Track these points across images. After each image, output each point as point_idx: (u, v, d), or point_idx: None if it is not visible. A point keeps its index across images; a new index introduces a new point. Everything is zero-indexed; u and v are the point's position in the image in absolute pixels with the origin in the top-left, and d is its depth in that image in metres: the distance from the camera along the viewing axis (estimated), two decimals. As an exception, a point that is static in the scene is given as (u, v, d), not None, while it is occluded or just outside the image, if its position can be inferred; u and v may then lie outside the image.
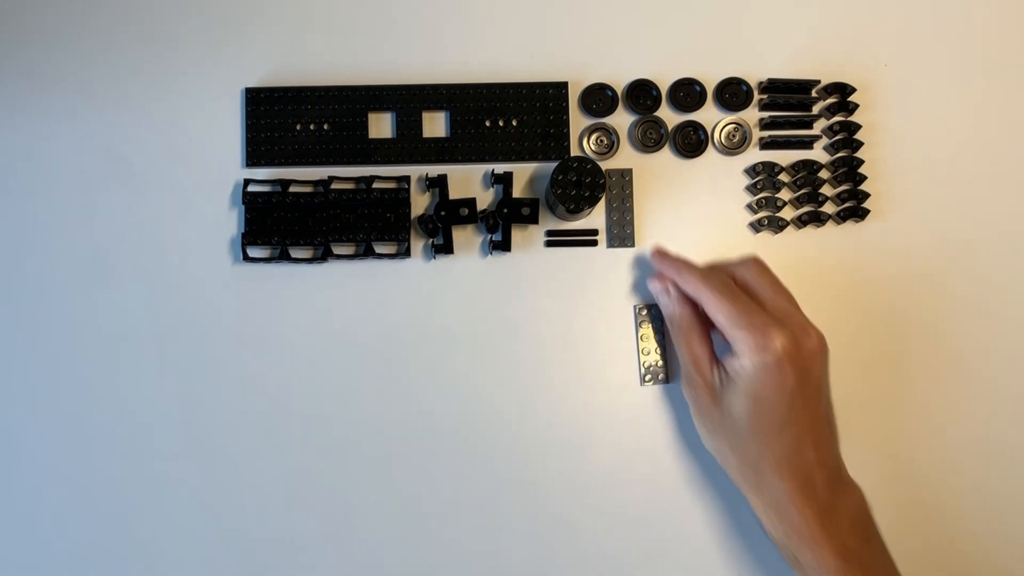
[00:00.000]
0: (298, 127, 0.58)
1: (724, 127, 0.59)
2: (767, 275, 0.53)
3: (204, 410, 0.57)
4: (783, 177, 0.59)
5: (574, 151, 0.59)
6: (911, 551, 0.57)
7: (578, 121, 0.59)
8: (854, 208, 0.58)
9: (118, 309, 0.57)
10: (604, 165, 0.58)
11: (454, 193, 0.57)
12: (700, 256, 0.58)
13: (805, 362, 0.50)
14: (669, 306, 0.55)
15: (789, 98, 0.59)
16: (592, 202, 0.55)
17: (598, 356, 0.58)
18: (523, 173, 0.58)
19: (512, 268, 0.58)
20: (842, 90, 0.59)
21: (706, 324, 0.54)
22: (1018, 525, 0.57)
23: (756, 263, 0.53)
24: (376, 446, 0.57)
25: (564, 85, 0.59)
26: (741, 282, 0.53)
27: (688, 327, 0.54)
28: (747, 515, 0.55)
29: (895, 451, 0.57)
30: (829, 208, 0.59)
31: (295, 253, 0.57)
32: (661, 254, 0.56)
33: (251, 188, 0.57)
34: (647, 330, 0.57)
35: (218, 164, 0.58)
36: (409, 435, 0.57)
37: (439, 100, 0.58)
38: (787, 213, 0.59)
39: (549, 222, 0.59)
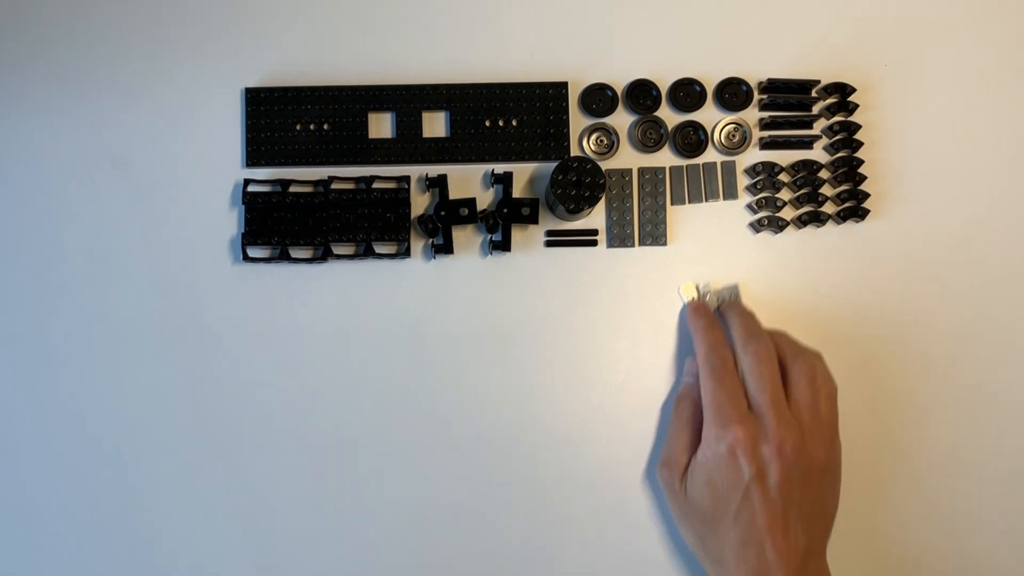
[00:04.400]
0: (298, 127, 0.58)
1: (724, 127, 0.59)
2: (761, 369, 0.52)
3: (204, 410, 0.57)
4: (783, 177, 0.59)
5: (574, 151, 0.59)
6: (911, 550, 0.57)
7: (578, 121, 0.59)
8: (854, 208, 0.58)
9: (118, 309, 0.57)
10: (604, 165, 0.58)
11: (454, 193, 0.57)
12: (703, 257, 0.58)
13: (761, 462, 0.50)
14: (682, 388, 0.56)
15: (789, 98, 0.59)
16: (592, 202, 0.55)
17: (598, 356, 0.58)
18: (523, 173, 0.59)
19: (512, 268, 0.58)
20: (842, 90, 0.59)
21: (700, 416, 0.54)
22: (1020, 527, 0.57)
23: (753, 359, 0.52)
24: (376, 445, 0.57)
25: (564, 85, 0.59)
26: (739, 363, 0.53)
27: (687, 414, 0.54)
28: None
29: (895, 450, 0.57)
30: (829, 208, 0.59)
31: (295, 253, 0.57)
32: (694, 310, 0.56)
33: (251, 188, 0.57)
34: None
35: (218, 164, 0.58)
36: (409, 434, 0.57)
37: (439, 100, 0.58)
38: (787, 213, 0.59)
39: (549, 222, 0.59)
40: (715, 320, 0.56)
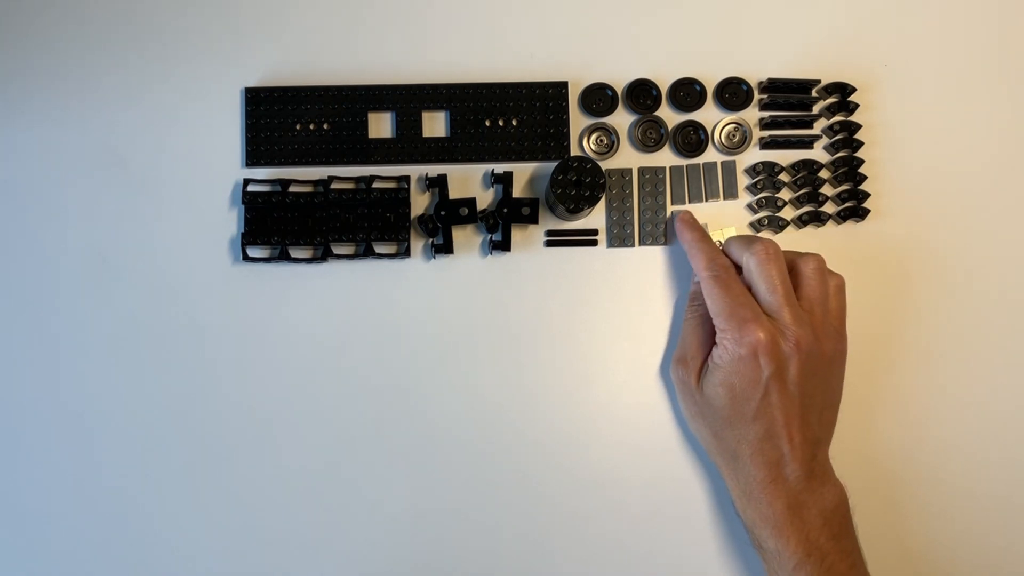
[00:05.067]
0: (298, 127, 0.58)
1: (724, 127, 0.59)
2: (769, 268, 0.52)
3: (204, 410, 0.57)
4: (783, 177, 0.59)
5: (574, 151, 0.59)
6: (909, 548, 0.57)
7: (578, 121, 0.59)
8: (854, 208, 0.58)
9: (118, 309, 0.57)
10: (604, 165, 0.58)
11: (454, 193, 0.57)
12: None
13: (781, 359, 0.51)
14: (694, 286, 0.56)
15: (789, 98, 0.59)
16: (592, 202, 0.55)
17: (598, 356, 0.58)
18: (523, 173, 0.58)
19: (512, 268, 0.58)
20: (842, 90, 0.59)
21: None
22: (1019, 525, 0.57)
23: (762, 253, 0.52)
24: (376, 445, 0.57)
25: (564, 85, 0.59)
26: (744, 271, 0.53)
27: (701, 312, 0.55)
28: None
29: (895, 449, 0.57)
30: (829, 208, 0.59)
31: (295, 253, 0.57)
32: (683, 222, 0.57)
33: (251, 188, 0.57)
34: None
35: (218, 164, 0.58)
36: (409, 434, 0.57)
37: (439, 100, 0.58)
38: (787, 213, 0.59)
39: (549, 222, 0.59)
40: (705, 233, 0.56)
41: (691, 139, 0.59)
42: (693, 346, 0.54)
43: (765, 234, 0.59)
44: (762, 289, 0.52)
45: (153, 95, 0.58)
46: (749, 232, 0.59)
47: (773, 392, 0.51)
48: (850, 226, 0.59)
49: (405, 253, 0.57)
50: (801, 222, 0.58)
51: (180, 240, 0.58)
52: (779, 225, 0.58)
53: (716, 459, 0.54)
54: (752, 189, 0.59)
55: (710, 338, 0.54)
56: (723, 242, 0.56)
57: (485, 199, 0.58)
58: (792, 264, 0.54)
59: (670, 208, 0.59)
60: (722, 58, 0.59)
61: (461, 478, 0.57)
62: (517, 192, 0.58)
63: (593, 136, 0.59)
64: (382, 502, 0.57)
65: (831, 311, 0.53)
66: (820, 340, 0.52)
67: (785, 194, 0.59)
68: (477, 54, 0.59)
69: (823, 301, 0.53)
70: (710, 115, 0.59)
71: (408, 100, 0.58)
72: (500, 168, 0.58)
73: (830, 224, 0.59)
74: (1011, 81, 0.60)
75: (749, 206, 0.59)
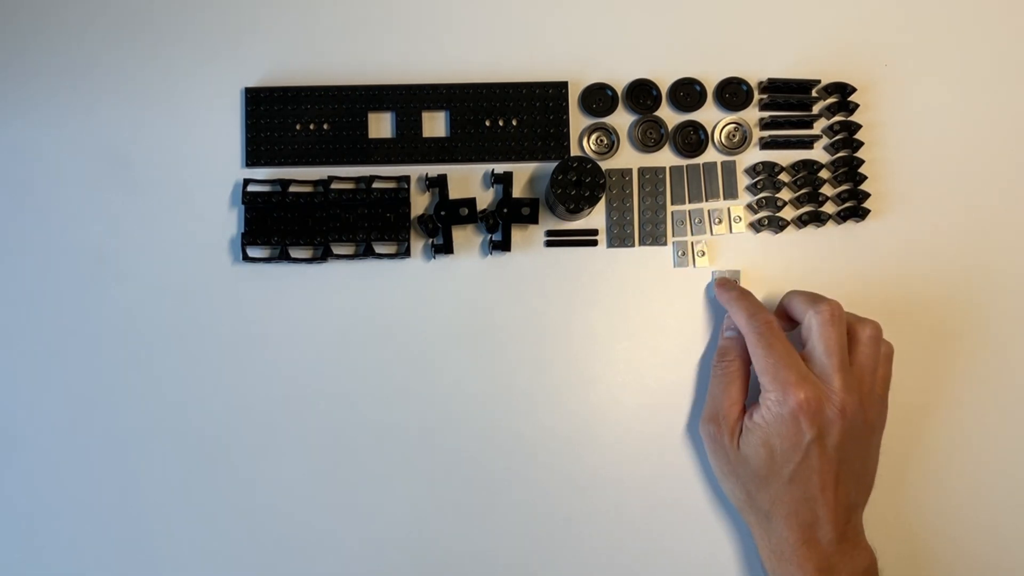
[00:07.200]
0: (298, 127, 0.58)
1: (724, 127, 0.59)
2: (830, 331, 0.51)
3: (204, 410, 0.57)
4: (783, 177, 0.59)
5: (574, 151, 0.59)
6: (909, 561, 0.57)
7: (578, 121, 0.59)
8: (854, 208, 0.58)
9: (118, 309, 0.57)
10: (604, 165, 0.58)
11: (454, 193, 0.57)
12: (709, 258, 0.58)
13: (824, 424, 0.50)
14: (723, 341, 0.56)
15: (789, 98, 0.59)
16: (592, 202, 0.55)
17: (598, 356, 0.58)
18: (523, 173, 0.59)
19: (512, 268, 0.58)
20: (842, 90, 0.59)
21: (749, 371, 0.54)
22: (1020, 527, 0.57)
23: (827, 313, 0.52)
24: (375, 445, 0.57)
25: (564, 85, 0.59)
26: (804, 327, 0.53)
27: (733, 368, 0.54)
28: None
29: (896, 451, 0.57)
30: (829, 208, 0.59)
31: (295, 253, 0.57)
32: (720, 285, 0.56)
33: (251, 188, 0.57)
34: None
35: (218, 164, 0.58)
36: (409, 434, 0.57)
37: (439, 100, 0.58)
38: (787, 213, 0.59)
39: (549, 222, 0.59)
40: (745, 289, 0.56)
41: (691, 139, 0.59)
42: (725, 404, 0.54)
43: (765, 234, 0.59)
44: (819, 350, 0.51)
45: (153, 95, 0.58)
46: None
47: (814, 456, 0.50)
48: (850, 226, 0.59)
49: (405, 253, 0.57)
50: (801, 222, 0.58)
51: (180, 240, 0.58)
52: (779, 225, 0.58)
53: (748, 518, 0.54)
54: (752, 189, 0.59)
55: (742, 395, 0.54)
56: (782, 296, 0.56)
57: (485, 199, 0.58)
58: (849, 326, 0.53)
59: (670, 208, 0.59)
60: (722, 58, 0.59)
61: (460, 477, 0.57)
62: (517, 192, 0.58)
63: (593, 136, 0.59)
64: (381, 502, 0.57)
65: (878, 379, 0.53)
66: (865, 408, 0.51)
67: (785, 194, 0.59)
68: (477, 54, 0.59)
69: (873, 369, 0.52)
70: (710, 115, 0.59)
71: (408, 100, 0.58)
72: (500, 168, 0.58)
73: (830, 224, 0.59)
74: (1011, 81, 0.60)
75: (749, 206, 0.59)
